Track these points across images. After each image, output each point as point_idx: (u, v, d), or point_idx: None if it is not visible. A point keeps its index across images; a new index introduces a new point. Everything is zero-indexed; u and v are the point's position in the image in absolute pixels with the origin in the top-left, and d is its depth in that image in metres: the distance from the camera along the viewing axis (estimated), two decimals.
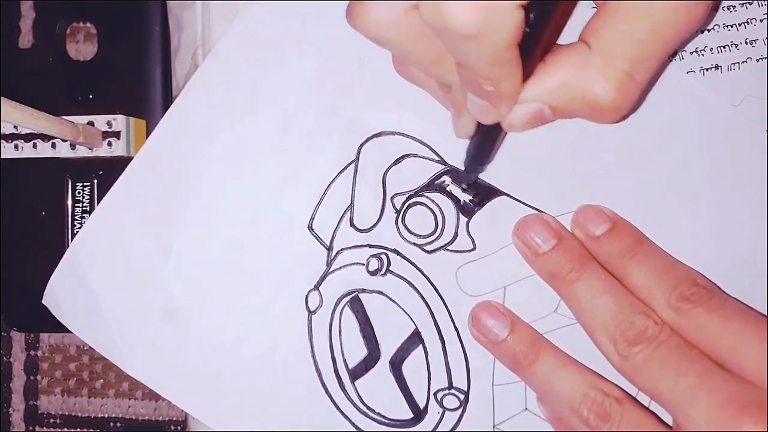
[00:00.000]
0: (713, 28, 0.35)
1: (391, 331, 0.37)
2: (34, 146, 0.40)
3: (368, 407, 0.37)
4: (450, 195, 0.36)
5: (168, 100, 0.42)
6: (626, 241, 0.34)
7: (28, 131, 0.40)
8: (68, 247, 0.38)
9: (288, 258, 0.37)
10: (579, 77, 0.29)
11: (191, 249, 0.37)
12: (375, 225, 0.37)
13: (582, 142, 0.36)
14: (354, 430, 0.37)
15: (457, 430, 0.36)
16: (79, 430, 0.47)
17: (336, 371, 0.37)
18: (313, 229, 0.37)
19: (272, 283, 0.37)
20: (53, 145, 0.40)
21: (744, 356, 0.30)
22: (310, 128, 0.37)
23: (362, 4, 0.27)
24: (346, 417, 0.37)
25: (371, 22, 0.27)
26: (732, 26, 0.35)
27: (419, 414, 0.37)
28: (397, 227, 0.37)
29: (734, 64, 0.35)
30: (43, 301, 0.38)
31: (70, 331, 0.38)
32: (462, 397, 0.36)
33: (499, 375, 0.36)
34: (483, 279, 0.36)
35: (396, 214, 0.37)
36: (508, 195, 0.36)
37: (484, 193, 0.36)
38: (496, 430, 0.36)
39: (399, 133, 0.37)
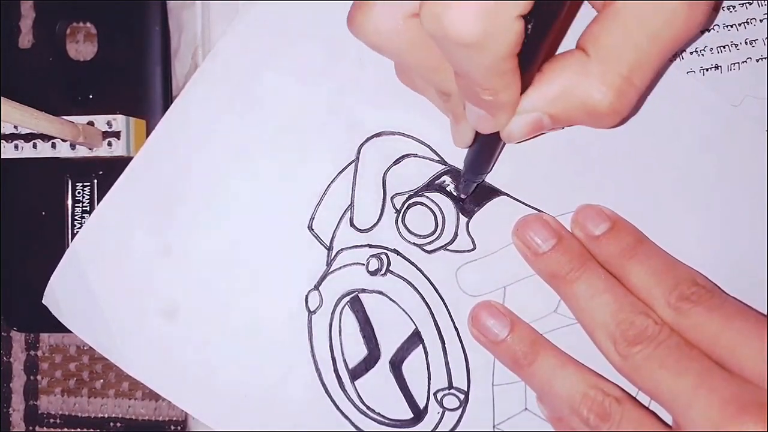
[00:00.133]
0: (713, 28, 0.35)
1: (391, 331, 0.37)
2: (34, 146, 0.40)
3: (368, 407, 0.37)
4: (450, 195, 0.36)
5: (168, 100, 0.42)
6: (626, 240, 0.34)
7: (28, 131, 0.40)
8: (68, 247, 0.38)
9: (288, 258, 0.37)
10: (578, 84, 0.29)
11: (191, 249, 0.37)
12: (375, 225, 0.37)
13: (582, 142, 0.36)
14: (354, 430, 0.37)
15: (457, 430, 0.36)
16: (79, 430, 0.47)
17: (336, 371, 0.37)
18: (313, 229, 0.37)
19: (272, 283, 0.37)
20: (53, 145, 0.40)
21: (744, 356, 0.30)
22: (310, 128, 0.37)
23: (362, 11, 0.27)
24: (346, 417, 0.37)
25: (371, 30, 0.27)
26: (732, 26, 0.35)
27: (419, 414, 0.37)
28: (397, 227, 0.37)
29: (734, 64, 0.35)
30: (43, 301, 0.38)
31: (70, 331, 0.38)
32: (462, 397, 0.36)
33: (499, 375, 0.36)
34: (483, 279, 0.36)
35: (396, 214, 0.37)
36: (508, 195, 0.36)
37: (484, 193, 0.36)
38: (496, 430, 0.36)
39: (399, 133, 0.37)
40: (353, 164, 0.37)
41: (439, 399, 0.36)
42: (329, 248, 0.37)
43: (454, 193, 0.36)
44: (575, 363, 0.34)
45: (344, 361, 0.37)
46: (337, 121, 0.37)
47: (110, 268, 0.37)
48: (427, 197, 0.36)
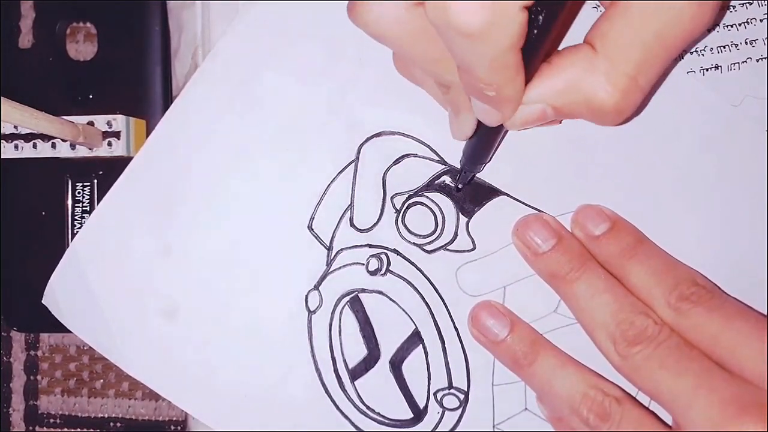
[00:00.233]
0: (713, 28, 0.35)
1: (391, 331, 0.37)
2: (34, 146, 0.40)
3: (368, 407, 0.37)
4: (450, 195, 0.36)
5: (168, 100, 0.42)
6: (626, 240, 0.34)
7: (28, 131, 0.40)
8: (68, 247, 0.38)
9: (288, 258, 0.37)
10: (583, 80, 0.29)
11: (191, 249, 0.37)
12: (375, 225, 0.37)
13: (582, 142, 0.36)
14: (354, 430, 0.37)
15: (456, 430, 0.36)
16: (79, 430, 0.47)
17: (336, 371, 0.37)
18: (313, 229, 0.37)
19: (272, 283, 0.37)
20: (53, 145, 0.40)
21: (744, 356, 0.30)
22: (310, 128, 0.37)
23: (364, 1, 0.27)
24: (346, 417, 0.37)
25: (372, 19, 0.27)
26: (732, 26, 0.35)
27: (419, 414, 0.37)
28: (397, 227, 0.37)
29: (734, 64, 0.35)
30: (43, 301, 0.38)
31: (70, 331, 0.38)
32: (462, 397, 0.36)
33: (499, 375, 0.36)
34: (483, 279, 0.36)
35: (396, 214, 0.37)
36: (508, 195, 0.36)
37: (484, 193, 0.36)
38: (495, 430, 0.36)
39: (399, 133, 0.37)
40: (353, 164, 0.37)
41: (439, 399, 0.36)
42: (329, 248, 0.37)
43: (454, 192, 0.36)
44: (575, 363, 0.34)
45: (344, 361, 0.37)
46: (337, 121, 0.37)
47: (110, 268, 0.37)
48: (427, 197, 0.36)
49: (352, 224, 0.37)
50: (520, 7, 0.24)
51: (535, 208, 0.36)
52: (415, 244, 0.37)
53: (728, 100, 0.35)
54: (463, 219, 0.36)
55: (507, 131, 0.34)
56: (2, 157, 0.41)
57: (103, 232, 0.37)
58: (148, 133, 0.40)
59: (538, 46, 0.27)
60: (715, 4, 0.28)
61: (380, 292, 0.37)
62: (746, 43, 0.35)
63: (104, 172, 0.42)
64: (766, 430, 0.29)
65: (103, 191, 0.38)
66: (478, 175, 0.36)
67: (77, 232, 0.41)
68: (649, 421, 0.32)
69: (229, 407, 0.37)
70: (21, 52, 0.44)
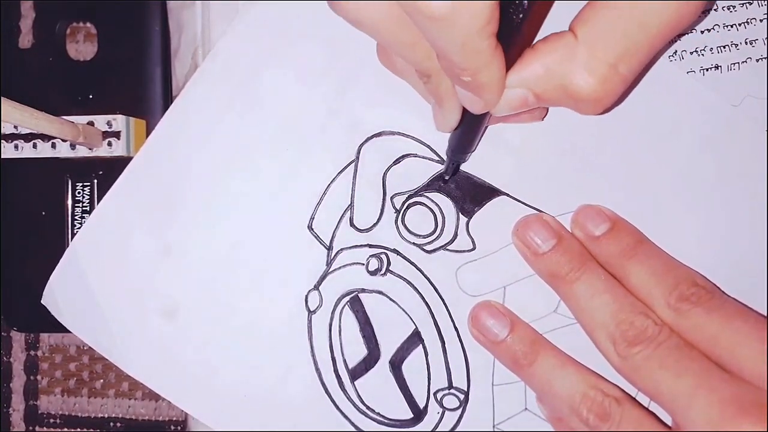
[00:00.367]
0: (713, 28, 0.35)
1: (391, 331, 0.37)
2: (34, 146, 0.41)
3: (368, 407, 0.37)
4: (450, 195, 0.36)
5: (168, 100, 0.42)
6: (626, 241, 0.34)
7: (28, 131, 0.40)
8: (68, 246, 0.38)
9: (288, 258, 0.37)
10: (563, 67, 0.29)
11: (191, 249, 0.37)
12: (375, 225, 0.37)
13: (582, 143, 0.36)
14: (354, 430, 0.37)
15: (456, 430, 0.36)
16: (79, 430, 0.47)
17: (336, 371, 0.37)
18: (313, 229, 0.37)
19: (272, 283, 0.37)
20: (53, 145, 0.40)
21: (743, 356, 0.30)
22: (310, 128, 0.37)
23: None
24: (346, 417, 0.37)
25: (351, 6, 0.27)
26: (732, 26, 0.35)
27: (419, 414, 0.37)
28: (397, 227, 0.37)
29: (734, 64, 0.35)
30: (42, 301, 0.38)
31: (70, 331, 0.38)
32: (462, 397, 0.36)
33: (499, 375, 0.36)
34: (483, 279, 0.36)
35: (396, 214, 0.37)
36: (508, 195, 0.36)
37: (484, 193, 0.36)
38: (495, 430, 0.36)
39: (399, 133, 0.37)
40: (353, 164, 0.37)
41: (439, 399, 0.36)
42: (329, 248, 0.37)
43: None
44: (575, 363, 0.34)
45: (344, 361, 0.37)
46: (337, 121, 0.37)
47: (110, 268, 0.37)
48: (427, 197, 0.36)
49: (352, 224, 0.37)
50: None
51: (535, 208, 0.36)
52: (415, 244, 0.37)
53: (728, 100, 0.35)
54: (463, 219, 0.36)
55: (489, 120, 0.33)
56: (2, 157, 0.41)
57: (103, 232, 0.37)
58: (148, 133, 0.40)
59: (517, 32, 0.27)
60: (701, 1, 0.28)
61: (380, 292, 0.37)
62: (746, 43, 0.35)
63: (104, 172, 0.42)
64: (765, 430, 0.29)
65: (103, 191, 0.38)
66: (478, 175, 0.36)
67: (77, 232, 0.41)
68: (648, 421, 0.32)
69: (228, 407, 0.37)
70: (21, 52, 0.44)
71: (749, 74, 0.35)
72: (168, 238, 0.37)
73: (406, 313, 0.36)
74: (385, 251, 0.37)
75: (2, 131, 0.41)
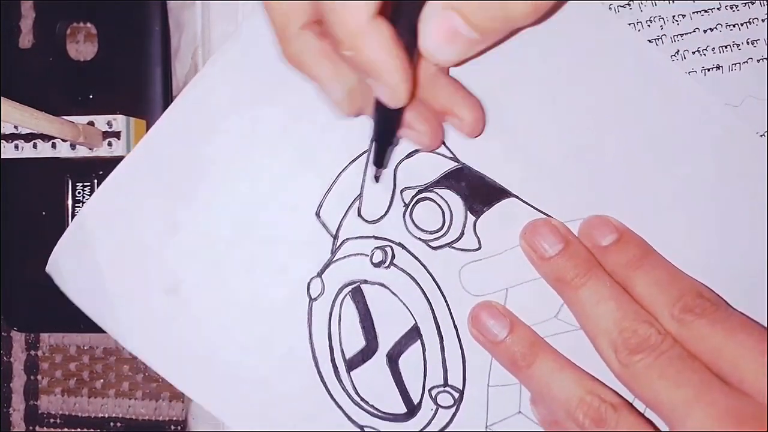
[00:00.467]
0: (715, 28, 0.35)
1: (391, 324, 0.36)
2: (34, 146, 0.40)
3: (362, 398, 0.36)
4: (460, 193, 0.36)
5: (168, 100, 0.42)
6: (633, 252, 0.34)
7: (28, 131, 0.40)
8: (76, 215, 0.38)
9: (293, 243, 0.37)
10: None
11: (198, 228, 0.37)
12: (382, 217, 0.37)
13: (594, 149, 0.36)
14: (346, 420, 0.36)
15: (449, 428, 0.36)
16: (79, 430, 0.47)
17: (333, 360, 0.37)
18: (320, 217, 0.37)
19: (276, 267, 0.37)
20: (53, 145, 0.40)
21: (745, 369, 0.30)
22: (325, 115, 0.36)
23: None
24: (340, 407, 0.36)
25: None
26: (734, 26, 0.35)
27: (412, 409, 0.36)
28: (404, 221, 0.37)
29: (735, 64, 0.35)
30: (46, 269, 0.38)
31: (70, 331, 0.38)
32: (456, 395, 0.36)
33: (495, 376, 0.36)
34: (486, 279, 0.36)
35: (404, 208, 0.37)
36: (517, 197, 0.36)
37: (494, 194, 0.36)
38: (488, 430, 0.36)
39: None
40: (365, 154, 0.37)
41: (433, 396, 0.36)
42: (335, 237, 0.37)
43: (464, 192, 0.36)
44: (573, 367, 0.34)
45: (342, 350, 0.37)
46: None
47: (116, 240, 0.37)
48: (437, 193, 0.36)
49: (359, 215, 0.37)
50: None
51: (544, 213, 0.36)
52: (420, 239, 0.37)
53: (729, 100, 0.35)
54: (471, 218, 0.36)
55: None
56: (2, 157, 0.41)
57: (113, 203, 0.37)
58: None
59: None
60: None
61: (382, 285, 0.36)
62: (748, 43, 0.35)
63: (104, 172, 0.42)
64: None
65: None
66: (490, 175, 0.36)
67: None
68: (644, 429, 0.32)
69: (224, 388, 0.37)
70: (21, 52, 0.44)
71: (750, 75, 0.35)
72: (177, 216, 0.37)
73: (406, 307, 0.36)
74: (391, 244, 0.37)
75: (2, 131, 0.40)
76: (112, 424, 0.47)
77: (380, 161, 0.35)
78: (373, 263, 0.37)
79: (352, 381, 0.37)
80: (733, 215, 0.35)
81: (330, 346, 0.37)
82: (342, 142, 0.37)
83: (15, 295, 0.43)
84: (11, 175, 0.43)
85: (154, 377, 0.46)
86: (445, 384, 0.36)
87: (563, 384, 0.33)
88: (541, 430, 0.35)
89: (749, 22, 0.35)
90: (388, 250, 0.36)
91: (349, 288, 0.37)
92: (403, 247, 0.37)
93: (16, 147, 0.40)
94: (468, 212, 0.36)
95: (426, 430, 0.36)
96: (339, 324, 0.37)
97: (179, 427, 0.46)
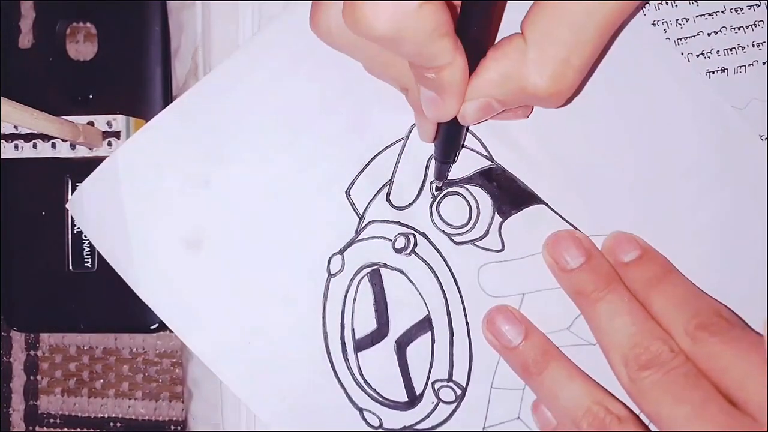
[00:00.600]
0: (720, 30, 0.36)
1: (404, 311, 0.36)
2: (34, 146, 0.40)
3: (366, 381, 0.36)
4: (491, 192, 0.36)
5: (168, 100, 0.42)
6: (653, 270, 0.34)
7: (28, 131, 0.40)
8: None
9: (320, 217, 0.37)
10: (517, 71, 0.29)
11: (229, 187, 0.37)
12: (410, 205, 0.37)
13: (628, 169, 0.36)
14: (346, 400, 0.36)
15: (447, 424, 0.36)
16: (79, 430, 0.47)
17: (342, 338, 0.36)
18: (350, 195, 0.37)
19: (299, 238, 0.37)
20: (53, 145, 0.40)
21: (751, 390, 0.30)
22: (367, 96, 0.37)
23: (317, 12, 0.30)
24: (342, 385, 0.36)
25: (325, 30, 0.30)
26: (739, 29, 0.35)
27: (414, 399, 0.36)
28: (431, 212, 0.37)
29: (740, 67, 0.35)
30: (66, 205, 0.37)
31: (70, 331, 0.38)
32: (459, 392, 0.36)
33: (499, 378, 0.36)
34: (504, 281, 0.36)
35: (432, 200, 0.37)
36: (547, 205, 0.36)
37: (524, 198, 0.36)
38: (484, 431, 0.36)
39: None
40: (402, 142, 0.37)
41: (436, 389, 0.36)
42: (361, 217, 0.37)
43: (494, 192, 0.36)
44: (583, 376, 0.34)
45: (352, 330, 0.36)
46: (394, 96, 0.36)
47: (145, 186, 0.37)
48: (467, 189, 0.37)
49: (387, 199, 0.37)
50: (419, 5, 0.25)
51: (571, 224, 0.36)
52: (444, 232, 0.37)
53: (734, 103, 0.35)
54: (497, 218, 0.36)
55: (467, 129, 0.35)
56: (2, 157, 0.41)
57: (148, 150, 0.37)
58: None
59: (470, 29, 0.28)
60: None
61: (401, 271, 0.36)
62: (753, 45, 0.35)
63: None
64: None
65: None
66: (523, 180, 0.36)
67: (77, 232, 0.42)
68: None
69: (230, 347, 0.37)
70: (21, 52, 0.44)
71: (755, 77, 0.35)
72: (210, 172, 0.37)
73: (422, 297, 0.36)
74: (414, 232, 0.37)
75: (2, 131, 0.40)
76: (111, 424, 0.47)
77: (443, 177, 0.36)
78: (395, 248, 0.37)
79: (358, 362, 0.36)
80: (731, 210, 0.35)
81: (342, 324, 0.36)
82: (381, 126, 0.37)
83: (15, 295, 0.43)
84: (11, 175, 0.43)
85: (154, 377, 0.46)
86: (450, 379, 0.36)
87: (572, 393, 0.33)
88: None
89: (754, 24, 0.35)
90: (411, 237, 0.37)
91: (368, 270, 0.37)
92: (426, 238, 0.37)
93: (16, 147, 0.40)
94: (495, 212, 0.37)
95: (424, 423, 0.36)
96: (354, 303, 0.36)
97: (179, 427, 0.46)
